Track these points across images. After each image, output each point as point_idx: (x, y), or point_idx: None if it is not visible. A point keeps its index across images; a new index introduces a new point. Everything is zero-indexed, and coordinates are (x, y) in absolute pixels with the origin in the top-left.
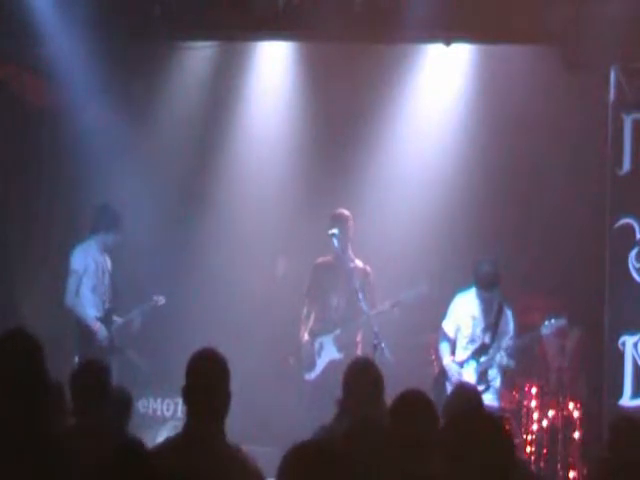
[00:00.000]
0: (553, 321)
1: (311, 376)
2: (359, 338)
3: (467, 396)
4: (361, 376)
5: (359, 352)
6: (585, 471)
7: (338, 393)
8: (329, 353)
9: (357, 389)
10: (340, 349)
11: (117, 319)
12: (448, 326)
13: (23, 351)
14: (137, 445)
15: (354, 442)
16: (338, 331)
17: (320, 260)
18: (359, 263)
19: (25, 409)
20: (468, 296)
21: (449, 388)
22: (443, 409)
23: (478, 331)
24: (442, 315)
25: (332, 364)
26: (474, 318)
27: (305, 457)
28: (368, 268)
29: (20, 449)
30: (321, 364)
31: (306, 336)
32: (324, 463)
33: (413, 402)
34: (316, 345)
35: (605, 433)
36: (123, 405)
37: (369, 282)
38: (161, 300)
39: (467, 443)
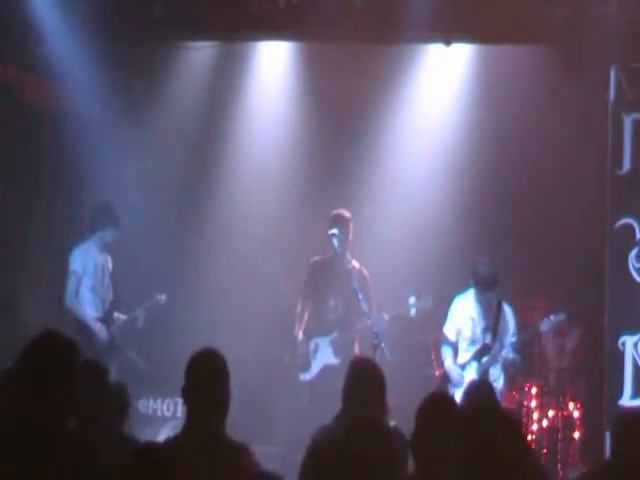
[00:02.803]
0: (552, 317)
1: (306, 377)
2: (357, 338)
3: (483, 393)
4: (363, 376)
5: (356, 351)
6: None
7: (335, 395)
8: (325, 356)
9: (359, 389)
10: (336, 353)
11: (120, 316)
12: (449, 330)
13: (59, 351)
14: (151, 448)
15: (355, 442)
16: (335, 334)
17: (317, 259)
18: (356, 265)
19: (51, 408)
20: (466, 298)
21: (452, 391)
22: (460, 407)
23: (478, 332)
24: (442, 315)
25: (328, 367)
26: (473, 320)
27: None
28: (365, 270)
29: (41, 446)
30: (316, 366)
31: (301, 335)
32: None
33: (441, 404)
34: (311, 345)
35: (605, 432)
36: (120, 402)
37: (366, 284)
38: (163, 298)
39: (482, 440)
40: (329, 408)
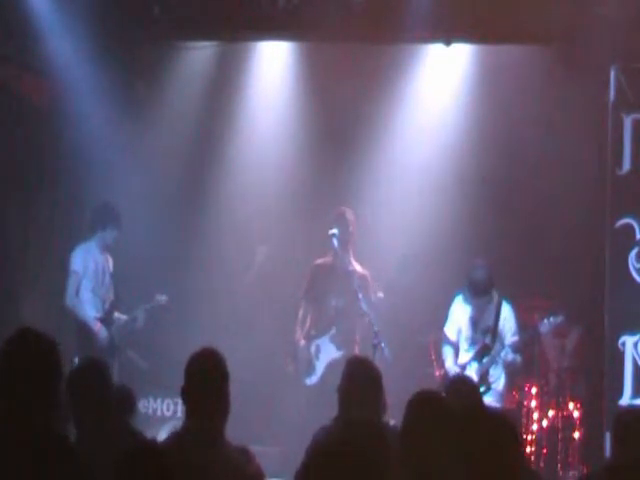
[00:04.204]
0: (551, 319)
1: (312, 380)
2: (358, 338)
3: (466, 391)
4: (359, 376)
5: (358, 351)
6: (585, 471)
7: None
8: (328, 353)
9: (355, 389)
10: (339, 347)
11: (120, 316)
12: (449, 330)
13: (39, 350)
14: (151, 446)
15: (352, 443)
16: (334, 330)
17: (319, 261)
18: (357, 266)
19: (36, 408)
20: (465, 298)
21: None
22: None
23: (478, 333)
24: (442, 315)
25: (332, 363)
26: (473, 320)
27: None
28: (367, 272)
29: (27, 449)
30: (321, 366)
31: (302, 340)
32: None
33: (430, 401)
34: (312, 348)
35: (605, 432)
36: (126, 403)
37: (367, 285)
38: (164, 299)
39: (475, 442)
40: (331, 406)
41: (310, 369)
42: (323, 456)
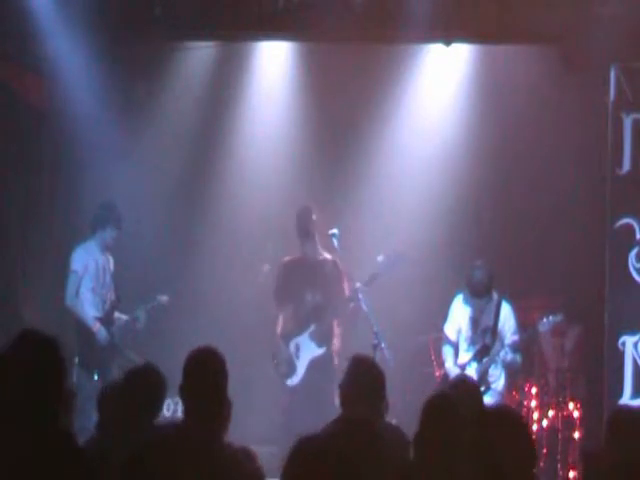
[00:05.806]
0: (551, 318)
1: (293, 381)
2: (337, 331)
3: (468, 391)
4: (361, 376)
5: (338, 344)
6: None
7: (327, 387)
8: (308, 352)
9: (357, 389)
10: (320, 344)
11: (121, 316)
12: (449, 329)
13: (38, 352)
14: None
15: (346, 444)
16: (313, 327)
17: (287, 259)
18: (327, 255)
19: (43, 407)
20: (465, 298)
21: None
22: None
23: (477, 333)
24: (442, 315)
25: (314, 362)
26: (472, 319)
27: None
28: (337, 259)
29: (33, 445)
30: (302, 366)
31: (280, 340)
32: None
33: (445, 405)
34: (292, 347)
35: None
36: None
37: (338, 271)
38: (165, 299)
39: (490, 443)
40: (315, 407)
41: (291, 369)
42: (316, 459)
